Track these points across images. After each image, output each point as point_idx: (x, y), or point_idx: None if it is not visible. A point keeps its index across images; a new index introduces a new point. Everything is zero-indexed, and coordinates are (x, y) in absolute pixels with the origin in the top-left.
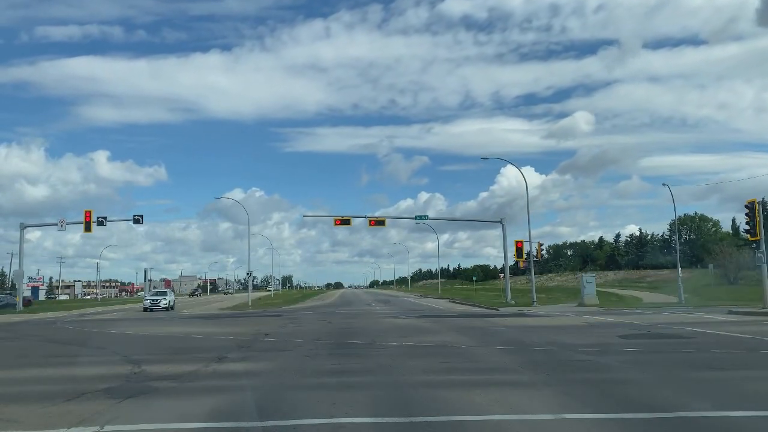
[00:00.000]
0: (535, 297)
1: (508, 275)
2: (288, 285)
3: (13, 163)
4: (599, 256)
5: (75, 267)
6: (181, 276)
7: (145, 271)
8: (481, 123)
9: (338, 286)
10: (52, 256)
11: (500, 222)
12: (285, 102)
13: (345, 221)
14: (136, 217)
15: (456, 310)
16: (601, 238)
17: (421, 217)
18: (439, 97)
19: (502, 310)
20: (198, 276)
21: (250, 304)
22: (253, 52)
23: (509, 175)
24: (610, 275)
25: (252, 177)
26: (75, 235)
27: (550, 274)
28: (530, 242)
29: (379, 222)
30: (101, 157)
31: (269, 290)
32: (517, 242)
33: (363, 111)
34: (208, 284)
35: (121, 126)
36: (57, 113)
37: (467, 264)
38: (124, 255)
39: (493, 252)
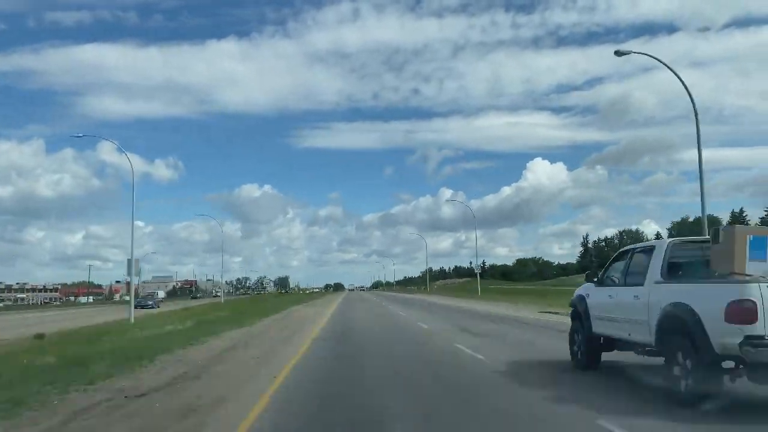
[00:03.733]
0: None
1: None
2: (283, 288)
3: (13, 158)
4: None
5: (75, 269)
6: (151, 277)
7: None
8: (508, 116)
9: (338, 287)
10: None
11: None
12: (303, 92)
13: None
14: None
15: None
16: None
17: None
18: (466, 86)
19: None
20: (194, 278)
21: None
22: (273, 38)
23: (536, 170)
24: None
25: (265, 173)
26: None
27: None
28: None
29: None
30: (106, 151)
31: (217, 295)
32: None
33: (384, 102)
34: (193, 286)
35: (129, 119)
36: (61, 105)
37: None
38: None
39: (503, 252)
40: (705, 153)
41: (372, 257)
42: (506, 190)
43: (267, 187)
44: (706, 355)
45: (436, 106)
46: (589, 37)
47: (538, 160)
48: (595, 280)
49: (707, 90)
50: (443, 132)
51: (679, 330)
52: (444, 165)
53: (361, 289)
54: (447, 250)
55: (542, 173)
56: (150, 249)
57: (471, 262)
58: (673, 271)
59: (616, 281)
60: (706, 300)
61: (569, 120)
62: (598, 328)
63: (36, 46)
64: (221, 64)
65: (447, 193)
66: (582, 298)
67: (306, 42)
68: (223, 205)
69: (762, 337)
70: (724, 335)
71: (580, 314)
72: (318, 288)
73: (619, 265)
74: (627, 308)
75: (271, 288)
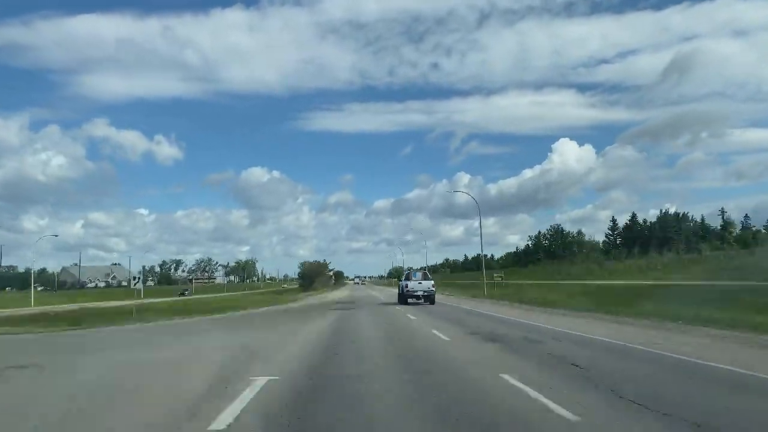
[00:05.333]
0: None
1: None
2: (280, 277)
3: (3, 140)
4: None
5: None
6: (112, 267)
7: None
8: (533, 95)
9: (338, 276)
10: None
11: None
12: (314, 69)
13: None
14: None
15: None
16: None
17: None
18: (489, 59)
19: None
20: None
21: None
22: (283, 6)
23: (562, 151)
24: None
25: (272, 157)
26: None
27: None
28: None
29: None
30: (102, 132)
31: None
32: None
33: (400, 79)
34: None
35: (128, 98)
36: (53, 82)
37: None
38: (131, 246)
39: (514, 240)
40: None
41: (380, 245)
42: (527, 174)
43: (275, 173)
44: (403, 296)
45: (456, 82)
46: (625, 3)
47: (564, 140)
48: (403, 280)
49: (749, 62)
50: (462, 112)
51: (403, 292)
52: (462, 148)
53: (362, 281)
54: (459, 238)
55: (568, 155)
56: (152, 237)
57: (476, 255)
58: (408, 278)
59: (405, 278)
60: (403, 285)
61: (596, 98)
62: (405, 291)
63: (25, 17)
64: (227, 36)
65: (465, 178)
66: (401, 285)
67: (318, 11)
68: (227, 190)
69: (408, 289)
70: (405, 290)
71: (402, 287)
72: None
73: (404, 276)
74: (404, 287)
75: (221, 279)
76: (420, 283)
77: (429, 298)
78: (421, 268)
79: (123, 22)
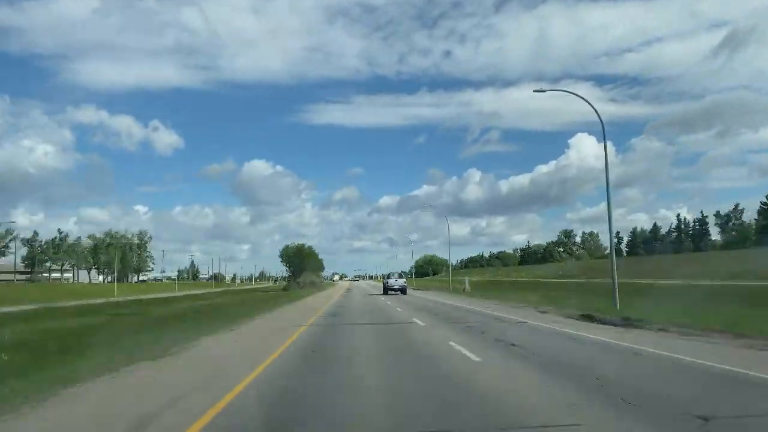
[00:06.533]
0: None
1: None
2: (268, 277)
3: None
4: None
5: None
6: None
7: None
8: (550, 85)
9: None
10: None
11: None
12: (319, 56)
13: None
14: None
15: None
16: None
17: None
18: (505, 48)
19: None
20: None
21: None
22: None
23: (581, 146)
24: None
25: (275, 151)
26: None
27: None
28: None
29: None
30: (97, 124)
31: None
32: None
33: (410, 68)
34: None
35: (123, 87)
36: (43, 70)
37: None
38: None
39: (521, 239)
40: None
41: (381, 245)
42: (542, 170)
43: (279, 167)
44: (385, 288)
45: (469, 73)
46: None
47: (583, 135)
48: (386, 277)
49: None
50: (474, 105)
51: (385, 286)
52: (473, 143)
53: (357, 278)
54: (466, 237)
55: (586, 150)
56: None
57: (485, 253)
58: (389, 277)
59: (387, 278)
60: (385, 282)
61: (615, 92)
62: (387, 285)
63: None
64: (229, 19)
65: (476, 175)
66: (384, 282)
67: None
68: (226, 186)
69: (389, 284)
70: (386, 285)
71: (384, 283)
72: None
73: (387, 276)
74: (386, 283)
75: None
76: (396, 280)
77: (402, 291)
78: (402, 272)
79: (116, 4)
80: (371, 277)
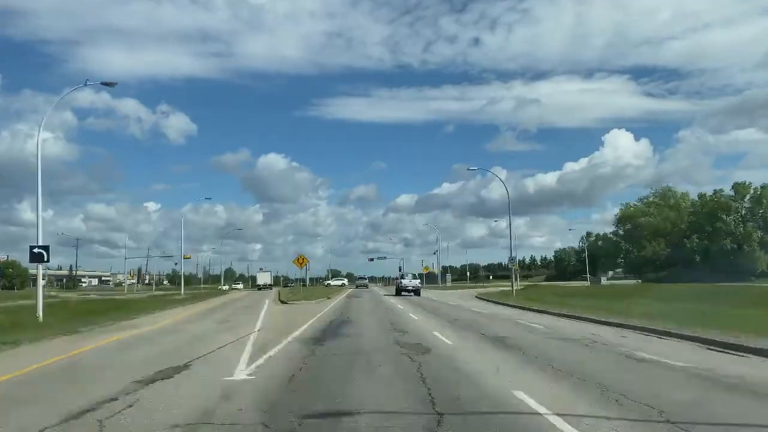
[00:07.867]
0: None
1: None
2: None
3: None
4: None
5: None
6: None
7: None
8: (582, 83)
9: (336, 275)
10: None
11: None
12: (340, 42)
13: None
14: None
15: None
16: None
17: None
18: (539, 35)
19: None
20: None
21: None
22: None
23: (614, 143)
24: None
25: (289, 146)
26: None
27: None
28: None
29: None
30: (106, 112)
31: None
32: None
33: (435, 57)
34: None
35: (133, 75)
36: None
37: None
38: (136, 242)
39: (539, 242)
40: None
41: (397, 246)
42: (569, 167)
43: (294, 164)
44: (398, 289)
45: (498, 63)
46: None
47: (618, 132)
48: (399, 277)
49: None
50: (501, 101)
51: (398, 286)
52: (500, 139)
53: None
54: (482, 240)
55: (622, 148)
56: (159, 234)
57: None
58: (402, 277)
59: (399, 279)
60: (398, 282)
61: (653, 86)
62: (400, 286)
63: None
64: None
65: (502, 173)
66: (397, 283)
67: None
68: (239, 183)
69: (402, 285)
70: (399, 285)
71: (397, 284)
72: (324, 280)
73: (400, 276)
74: (399, 284)
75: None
76: (410, 281)
77: (416, 292)
78: (418, 273)
79: None
80: (384, 280)
